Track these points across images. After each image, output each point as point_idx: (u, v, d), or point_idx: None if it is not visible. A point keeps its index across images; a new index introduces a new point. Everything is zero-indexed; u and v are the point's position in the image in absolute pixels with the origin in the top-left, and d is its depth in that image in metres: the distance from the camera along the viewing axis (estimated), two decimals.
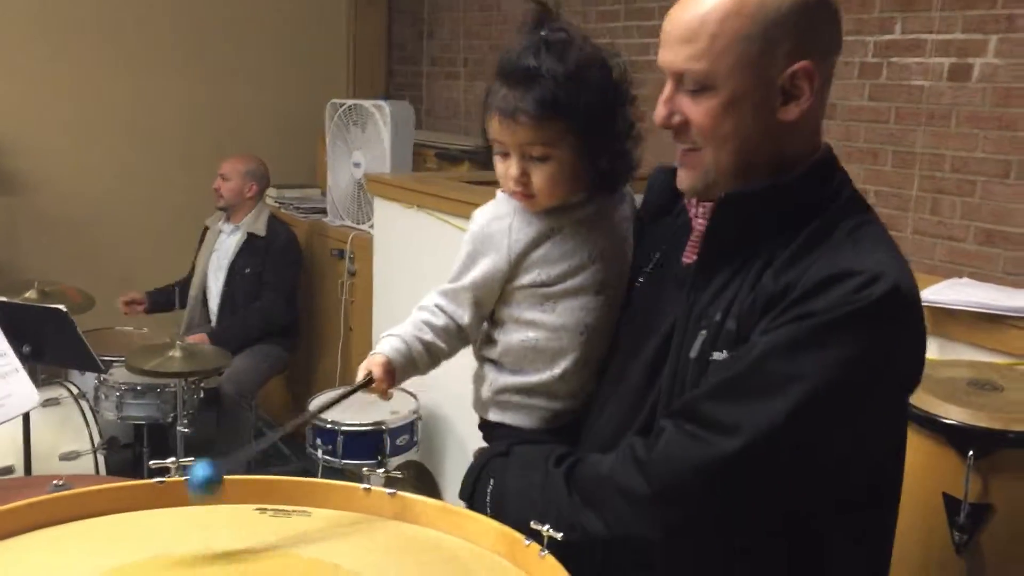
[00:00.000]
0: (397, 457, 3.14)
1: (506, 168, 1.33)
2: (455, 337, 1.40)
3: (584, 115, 1.27)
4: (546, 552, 1.04)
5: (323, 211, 4.38)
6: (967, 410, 1.60)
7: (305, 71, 5.06)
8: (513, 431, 1.38)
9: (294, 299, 4.12)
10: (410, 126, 4.03)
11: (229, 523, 1.12)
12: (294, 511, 1.16)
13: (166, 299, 4.15)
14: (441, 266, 3.25)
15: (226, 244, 4.07)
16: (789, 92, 1.12)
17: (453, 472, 3.38)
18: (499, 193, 1.41)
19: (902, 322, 1.08)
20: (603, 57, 1.30)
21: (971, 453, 1.57)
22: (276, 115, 4.98)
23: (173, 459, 1.16)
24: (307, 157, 4.90)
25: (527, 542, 1.05)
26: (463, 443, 3.33)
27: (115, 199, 4.68)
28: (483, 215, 1.40)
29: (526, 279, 1.35)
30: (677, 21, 1.14)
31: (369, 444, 3.10)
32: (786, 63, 1.11)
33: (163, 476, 1.14)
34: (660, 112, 1.17)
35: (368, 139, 4.02)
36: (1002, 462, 1.58)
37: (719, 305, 1.15)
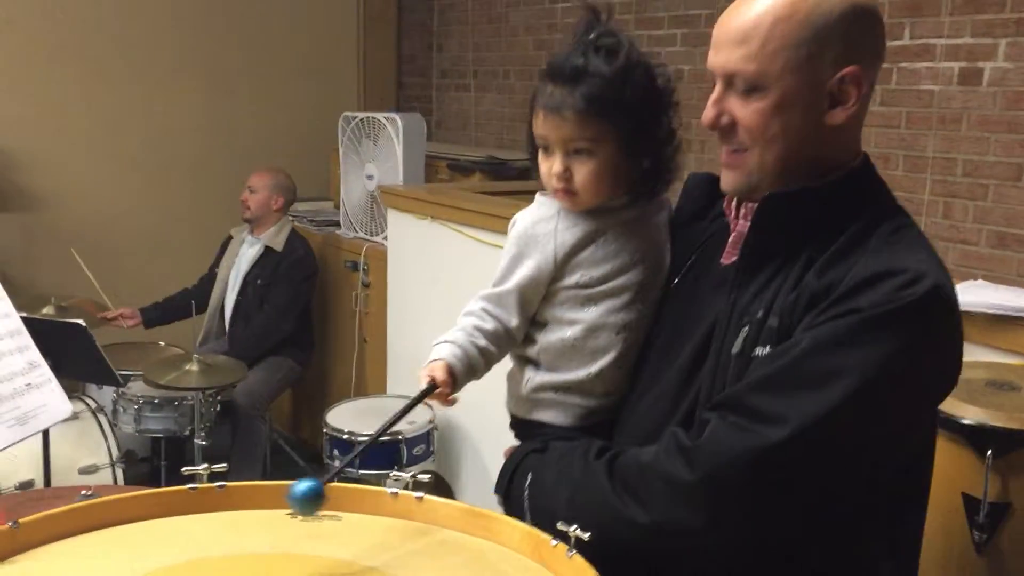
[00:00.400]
0: (414, 467, 3.16)
1: (550, 165, 1.35)
2: (505, 340, 1.41)
3: (628, 115, 1.30)
4: (574, 552, 1.05)
5: (336, 224, 4.41)
6: (985, 410, 1.61)
7: (316, 85, 5.10)
8: (548, 428, 1.39)
9: (302, 314, 4.11)
10: (422, 138, 4.06)
11: (261, 527, 1.14)
12: (324, 515, 1.18)
13: (162, 313, 4.14)
14: (455, 275, 3.31)
15: (246, 255, 4.10)
16: (836, 96, 1.16)
17: (469, 481, 3.39)
18: (539, 196, 1.43)
19: (943, 321, 1.10)
20: (649, 63, 1.33)
21: (990, 453, 1.58)
22: (288, 129, 5.02)
23: (205, 465, 1.18)
24: (320, 170, 4.93)
25: (554, 542, 1.07)
26: (479, 452, 3.35)
27: (130, 214, 4.72)
28: (527, 217, 1.41)
29: (570, 280, 1.37)
30: (729, 24, 1.18)
31: (386, 454, 3.12)
32: (834, 68, 1.14)
33: (195, 483, 1.16)
34: (708, 113, 1.20)
35: (380, 151, 4.06)
36: (1020, 461, 1.59)
37: (761, 303, 1.17)
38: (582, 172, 1.32)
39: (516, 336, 1.41)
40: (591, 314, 1.37)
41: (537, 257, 1.37)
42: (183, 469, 1.17)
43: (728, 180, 1.23)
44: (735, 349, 1.18)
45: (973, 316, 1.90)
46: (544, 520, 1.11)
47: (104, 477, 3.12)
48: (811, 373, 1.08)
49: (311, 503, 1.09)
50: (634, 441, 1.26)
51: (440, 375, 1.34)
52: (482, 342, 1.38)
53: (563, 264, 1.36)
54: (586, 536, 1.06)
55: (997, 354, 1.91)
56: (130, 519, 1.11)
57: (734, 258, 1.26)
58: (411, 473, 1.26)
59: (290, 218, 4.23)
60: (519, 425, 1.46)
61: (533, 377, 1.41)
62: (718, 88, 1.20)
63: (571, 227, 1.37)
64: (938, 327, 1.10)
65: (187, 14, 4.75)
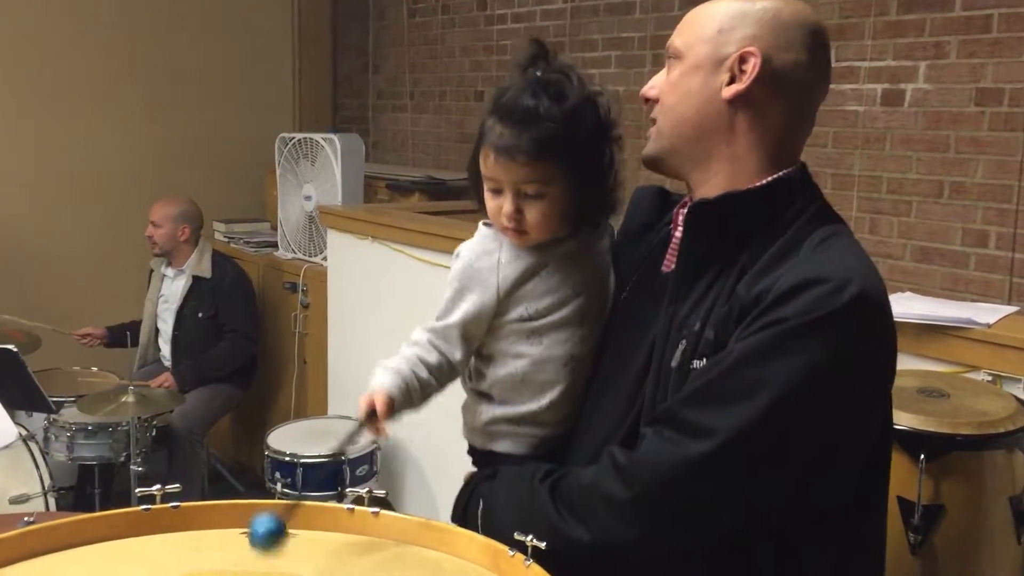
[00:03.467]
0: (354, 488, 3.14)
1: (499, 205, 1.33)
2: (447, 374, 1.40)
3: (578, 155, 1.30)
4: (531, 562, 1.07)
5: (274, 245, 4.38)
6: (917, 416, 1.68)
7: (251, 106, 5.06)
8: (503, 457, 1.40)
9: (254, 339, 4.09)
10: (360, 158, 4.06)
11: (217, 547, 1.13)
12: None
13: (122, 336, 4.08)
14: (396, 295, 3.31)
15: (172, 288, 4.02)
16: (733, 73, 1.20)
17: (413, 500, 3.38)
18: (482, 227, 1.42)
19: (870, 326, 1.11)
20: (594, 97, 1.33)
21: (922, 457, 1.64)
22: (223, 150, 4.96)
23: (159, 486, 1.17)
24: (256, 191, 4.89)
25: (511, 553, 1.09)
26: (422, 471, 3.35)
27: (59, 239, 4.61)
28: (470, 251, 1.40)
29: (514, 313, 1.37)
30: (692, 13, 1.26)
31: (329, 475, 3.10)
32: (738, 45, 1.19)
33: (150, 504, 1.15)
34: (645, 87, 1.28)
35: (319, 172, 4.04)
36: (952, 464, 1.66)
37: (698, 315, 1.19)
38: (533, 213, 1.32)
39: (459, 370, 1.41)
40: (537, 347, 1.37)
41: (480, 291, 1.36)
42: (137, 490, 1.15)
43: (645, 149, 1.29)
44: (674, 363, 1.19)
45: (903, 326, 1.97)
46: (505, 542, 1.12)
47: (36, 506, 3.03)
48: (738, 385, 1.09)
49: (273, 542, 1.08)
50: (586, 458, 1.27)
51: (380, 406, 1.31)
52: (424, 374, 1.37)
53: (506, 298, 1.36)
54: (542, 545, 1.08)
55: (926, 362, 1.99)
56: (84, 542, 1.09)
57: (672, 266, 1.27)
58: (366, 489, 1.26)
59: (207, 242, 4.13)
60: (476, 454, 1.46)
61: (486, 410, 1.41)
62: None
63: (514, 260, 1.37)
64: (865, 331, 1.10)
65: (120, 35, 4.68)
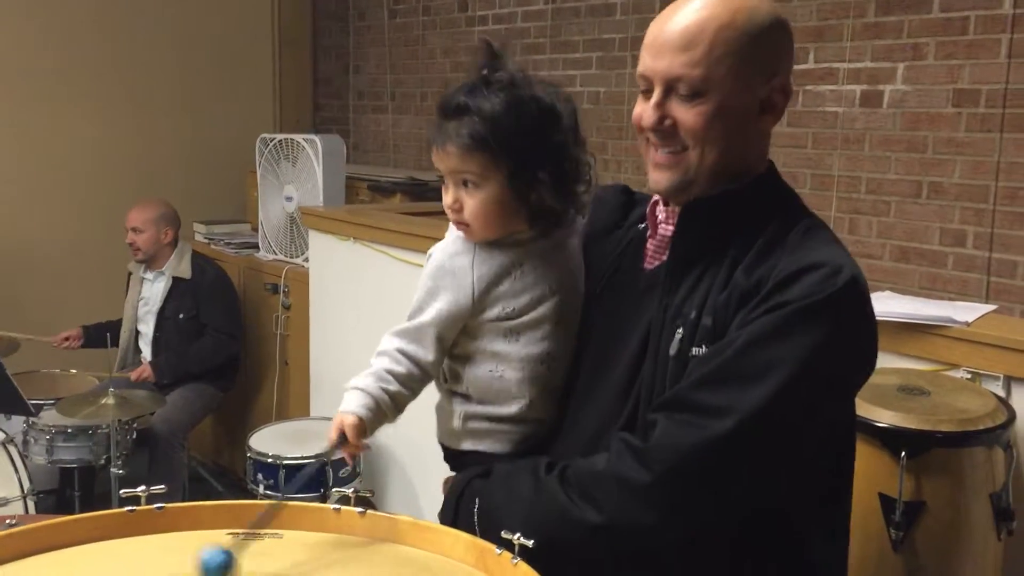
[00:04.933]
0: (340, 488, 3.13)
1: (445, 197, 1.38)
2: (418, 381, 1.40)
3: (513, 151, 1.31)
4: (518, 560, 1.07)
5: (255, 246, 4.36)
6: (898, 413, 1.70)
7: (231, 107, 5.04)
8: (485, 457, 1.40)
9: (237, 337, 4.07)
10: (342, 159, 4.05)
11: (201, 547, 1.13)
12: (266, 534, 1.18)
13: (100, 336, 4.05)
14: (378, 296, 3.31)
15: (153, 290, 4.00)
16: (766, 104, 1.23)
17: (396, 501, 3.38)
18: (453, 228, 1.43)
19: (861, 309, 1.18)
20: (544, 99, 1.34)
21: (903, 454, 1.66)
22: (203, 151, 4.94)
23: (143, 487, 1.17)
24: (236, 192, 4.87)
25: (499, 551, 1.09)
26: (405, 472, 3.34)
27: (38, 240, 4.57)
28: (444, 250, 1.41)
29: (491, 313, 1.37)
30: (669, 30, 1.21)
31: (312, 477, 3.09)
32: (765, 76, 1.22)
33: (134, 505, 1.15)
34: (651, 116, 1.23)
35: (299, 173, 4.03)
36: (932, 461, 1.68)
37: (693, 303, 1.22)
38: (470, 204, 1.34)
39: (432, 372, 1.41)
40: (515, 346, 1.37)
41: (454, 291, 1.37)
42: (121, 492, 1.15)
43: (662, 179, 1.25)
44: (672, 350, 1.22)
45: (883, 325, 1.97)
46: (492, 540, 1.13)
47: (15, 510, 3.01)
48: (750, 365, 1.13)
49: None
50: (577, 449, 1.29)
51: (351, 434, 1.32)
52: (393, 387, 1.36)
53: (482, 298, 1.36)
54: (530, 543, 1.08)
55: (907, 361, 2.01)
56: (68, 543, 1.09)
57: (658, 262, 1.31)
58: (352, 489, 1.26)
59: (186, 243, 4.11)
60: (454, 457, 1.46)
61: (464, 408, 1.42)
62: (658, 92, 1.22)
63: (488, 260, 1.37)
64: (859, 313, 1.18)
65: (99, 35, 4.64)
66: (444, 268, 1.38)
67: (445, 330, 1.38)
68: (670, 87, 1.21)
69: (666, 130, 1.23)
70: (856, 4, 3.10)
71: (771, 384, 1.11)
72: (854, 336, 1.17)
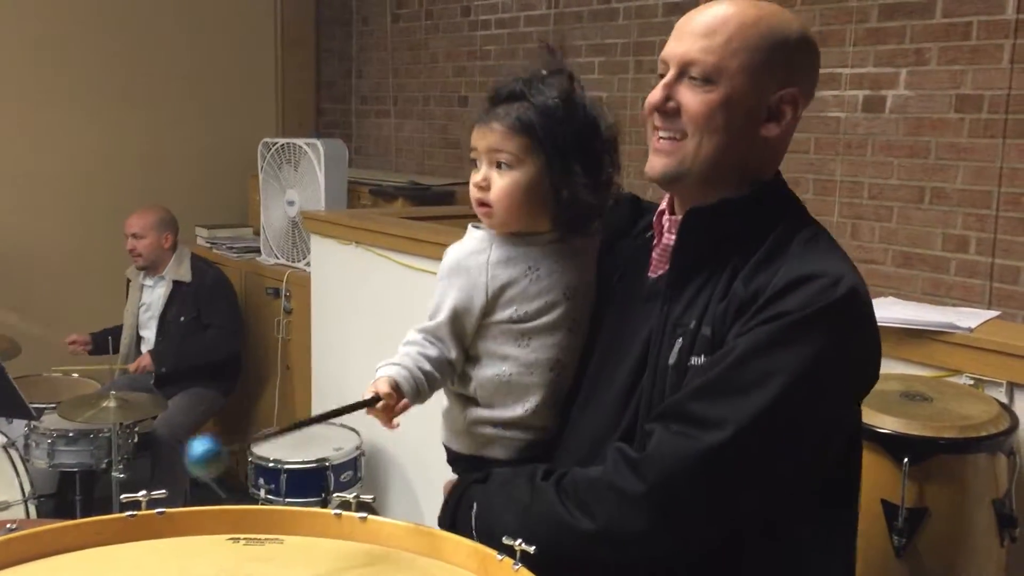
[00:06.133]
0: (341, 493, 3.13)
1: (474, 177, 1.37)
2: (447, 369, 1.40)
3: (556, 143, 1.33)
4: (520, 565, 1.07)
5: (257, 250, 4.36)
6: (901, 420, 1.69)
7: (234, 111, 5.04)
8: (490, 462, 1.40)
9: (238, 335, 4.07)
10: (343, 164, 4.05)
11: (204, 553, 1.13)
12: (267, 539, 1.18)
13: (105, 341, 4.06)
14: (380, 300, 3.31)
15: (153, 295, 4.00)
16: (773, 111, 1.22)
17: (397, 506, 3.37)
18: (472, 229, 1.44)
19: (862, 318, 1.18)
20: (593, 110, 1.37)
21: (906, 460, 1.66)
22: (205, 155, 4.94)
23: (144, 492, 1.16)
24: (238, 196, 4.87)
25: (500, 557, 1.09)
26: (406, 477, 3.34)
27: (41, 243, 4.57)
28: (459, 249, 1.41)
29: (504, 314, 1.37)
30: (695, 20, 1.23)
31: (313, 481, 3.09)
32: (777, 85, 1.21)
33: (135, 510, 1.15)
34: (657, 95, 1.24)
35: (302, 177, 4.03)
36: (935, 468, 1.68)
37: (693, 313, 1.22)
38: (499, 183, 1.34)
39: (456, 367, 1.41)
40: (525, 350, 1.37)
41: (469, 288, 1.37)
42: (122, 496, 1.15)
43: (657, 164, 1.25)
44: (671, 360, 1.22)
45: (886, 331, 1.98)
46: (493, 546, 1.12)
47: (16, 514, 3.00)
48: (747, 376, 1.13)
49: (209, 463, 1.09)
50: (576, 458, 1.29)
51: (384, 387, 1.32)
52: (427, 367, 1.38)
53: (496, 297, 1.36)
54: (531, 549, 1.08)
55: (909, 367, 2.01)
56: (70, 548, 1.09)
57: (661, 271, 1.30)
58: (353, 494, 1.26)
59: (184, 246, 4.11)
60: (457, 460, 1.46)
61: (470, 413, 1.42)
62: (671, 74, 1.23)
63: (504, 261, 1.37)
64: (858, 323, 1.17)
65: (102, 39, 4.65)
66: (460, 265, 1.39)
67: (462, 326, 1.39)
68: (683, 70, 1.22)
69: (669, 111, 1.23)
70: (859, 9, 3.10)
71: (766, 395, 1.11)
72: (853, 347, 1.17)
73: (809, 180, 3.25)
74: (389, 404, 1.32)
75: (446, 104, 4.74)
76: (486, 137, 1.35)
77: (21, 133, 4.51)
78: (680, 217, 1.28)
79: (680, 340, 1.22)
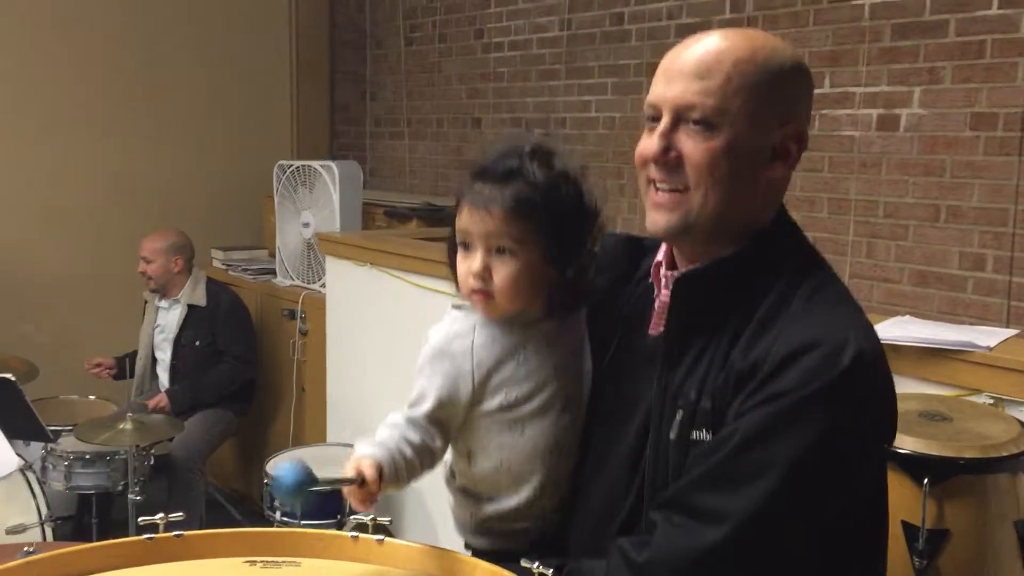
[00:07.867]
0: (358, 515, 3.12)
1: (469, 264, 1.28)
2: (428, 457, 1.32)
3: (555, 223, 1.26)
4: None
5: (272, 272, 4.38)
6: (920, 440, 1.67)
7: (249, 133, 5.08)
8: (509, 555, 1.30)
9: (253, 364, 4.09)
10: (358, 185, 4.07)
11: (220, 575, 1.12)
12: (284, 562, 1.18)
13: (125, 366, 4.09)
14: (395, 321, 3.31)
15: (168, 318, 4.03)
16: (778, 151, 1.16)
17: (412, 527, 3.36)
18: (452, 311, 1.36)
19: (871, 385, 1.11)
20: (581, 181, 1.30)
21: (926, 481, 1.63)
22: (221, 178, 4.98)
23: (161, 515, 1.17)
24: (253, 219, 4.90)
25: None
26: (421, 499, 3.33)
27: (59, 267, 4.61)
28: (441, 334, 1.33)
29: (494, 402, 1.30)
30: (688, 57, 1.15)
31: (329, 504, 3.08)
32: (779, 122, 1.15)
33: (152, 532, 1.15)
34: (655, 145, 1.15)
35: (317, 199, 4.06)
36: (955, 488, 1.65)
37: (693, 383, 1.16)
38: (502, 272, 1.26)
39: (439, 456, 1.34)
40: (520, 438, 1.31)
41: (454, 376, 1.29)
42: (140, 519, 1.15)
43: (661, 220, 1.17)
44: (672, 434, 1.16)
45: (904, 350, 1.98)
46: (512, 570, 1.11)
47: (33, 536, 3.01)
48: (746, 466, 1.07)
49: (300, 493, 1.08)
50: (585, 541, 1.24)
51: (371, 473, 1.22)
52: (409, 453, 1.29)
53: (483, 384, 1.29)
54: (549, 572, 1.08)
55: (928, 386, 1.99)
56: (87, 571, 1.09)
57: (662, 328, 1.23)
58: (370, 516, 1.25)
59: (199, 270, 4.12)
60: (483, 556, 1.38)
61: (477, 510, 1.37)
62: (666, 121, 1.15)
63: (489, 344, 1.30)
64: (866, 394, 1.10)
65: (117, 62, 4.70)
66: (443, 352, 1.30)
67: (447, 416, 1.31)
68: (680, 116, 1.14)
69: (670, 162, 1.14)
70: (872, 29, 3.10)
71: (768, 484, 1.06)
72: (863, 416, 1.09)
73: (824, 199, 3.25)
74: (372, 491, 1.24)
75: (459, 126, 4.76)
76: (484, 222, 1.25)
77: (42, 159, 4.56)
78: (674, 273, 1.22)
79: (680, 412, 1.16)
